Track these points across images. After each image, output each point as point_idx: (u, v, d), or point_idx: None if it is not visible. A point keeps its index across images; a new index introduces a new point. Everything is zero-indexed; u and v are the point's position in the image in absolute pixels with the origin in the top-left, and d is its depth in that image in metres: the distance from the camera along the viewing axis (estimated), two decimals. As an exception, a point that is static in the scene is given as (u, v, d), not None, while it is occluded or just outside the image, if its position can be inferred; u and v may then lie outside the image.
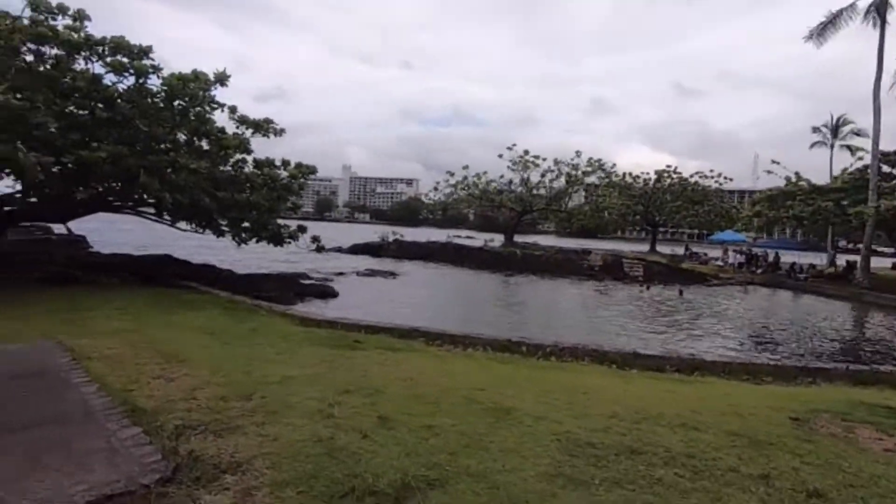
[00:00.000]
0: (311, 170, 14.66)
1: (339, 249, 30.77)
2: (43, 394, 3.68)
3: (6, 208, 13.00)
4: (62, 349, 4.83)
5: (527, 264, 27.94)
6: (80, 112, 9.96)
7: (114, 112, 9.92)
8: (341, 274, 20.59)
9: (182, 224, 13.95)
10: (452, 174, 37.02)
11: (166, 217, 13.35)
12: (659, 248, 40.70)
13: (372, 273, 21.54)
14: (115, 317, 7.26)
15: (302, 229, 14.68)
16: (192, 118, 11.69)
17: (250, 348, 5.89)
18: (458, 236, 45.27)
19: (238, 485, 2.62)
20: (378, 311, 11.94)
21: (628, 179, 40.30)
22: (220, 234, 13.48)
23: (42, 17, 9.71)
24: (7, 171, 8.70)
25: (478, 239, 39.32)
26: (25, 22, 9.25)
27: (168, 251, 17.71)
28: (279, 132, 14.10)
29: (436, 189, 40.55)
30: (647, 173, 40.55)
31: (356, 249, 31.35)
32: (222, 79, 11.62)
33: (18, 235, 17.13)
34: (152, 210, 13.83)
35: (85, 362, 4.50)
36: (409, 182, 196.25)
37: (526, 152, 35.40)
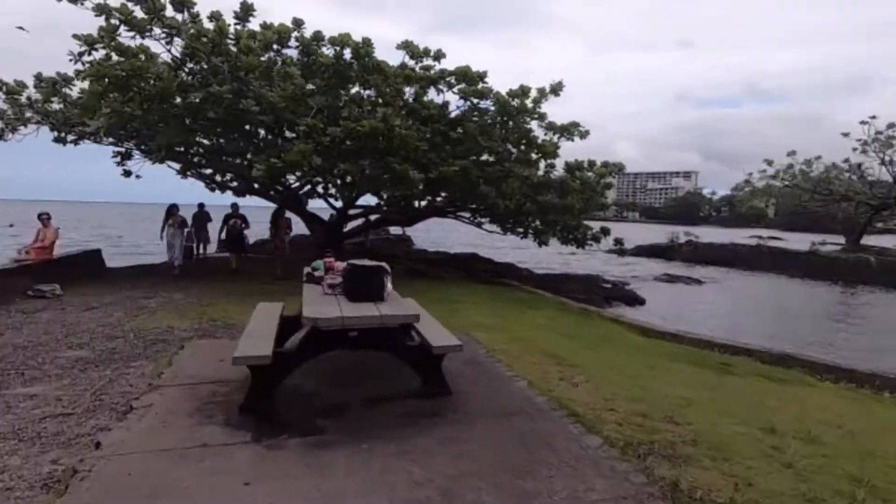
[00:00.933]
0: (619, 167, 14.19)
1: (620, 251, 29.41)
2: (492, 382, 4.20)
3: (372, 216, 16.81)
4: (472, 339, 5.58)
5: (885, 276, 21.04)
6: (435, 135, 11.94)
7: (463, 131, 11.54)
8: (636, 277, 19.51)
9: (486, 225, 15.65)
10: (770, 162, 30.70)
11: (475, 220, 15.16)
12: None
13: (671, 279, 19.70)
14: (474, 310, 8.27)
15: (605, 231, 14.38)
16: (515, 130, 12.69)
17: (620, 357, 5.76)
18: (760, 237, 37.82)
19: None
20: (704, 324, 10.63)
21: None
22: (524, 235, 14.35)
23: (412, 62, 12.03)
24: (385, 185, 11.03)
25: (787, 240, 31.92)
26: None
27: (458, 249, 20.04)
28: (584, 134, 14.09)
29: (746, 181, 33.88)
30: None
31: (641, 251, 29.43)
32: (549, 92, 12.31)
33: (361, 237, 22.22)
34: (467, 214, 15.81)
35: (497, 355, 5.05)
36: (687, 175, 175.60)
37: (892, 125, 26.54)
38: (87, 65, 10.60)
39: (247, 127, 11.00)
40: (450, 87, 12.24)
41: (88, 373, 4.37)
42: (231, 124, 10.57)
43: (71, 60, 9.85)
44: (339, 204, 15.70)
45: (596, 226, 14.16)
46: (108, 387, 4.00)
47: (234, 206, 12.01)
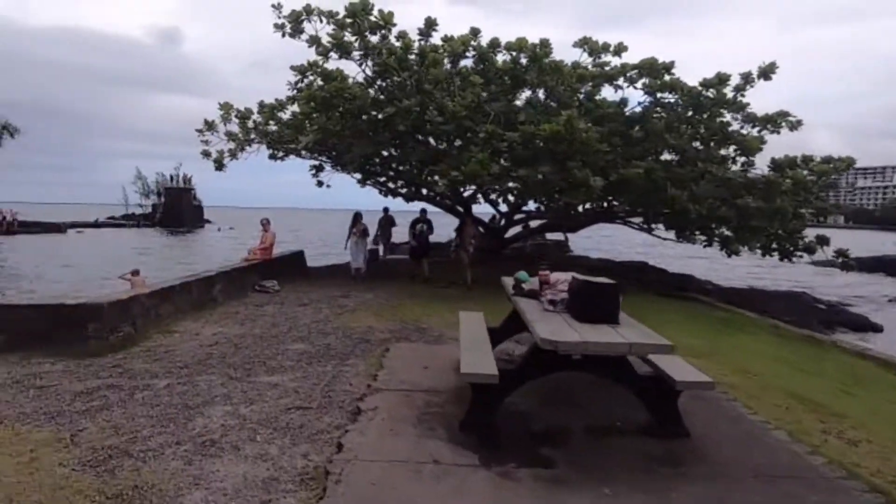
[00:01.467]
0: (847, 162, 11.59)
1: (844, 265, 24.27)
2: (736, 427, 3.51)
3: (536, 222, 16.40)
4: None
5: None
6: (612, 135, 11.09)
7: (645, 130, 10.52)
8: (861, 298, 15.82)
9: (657, 231, 14.17)
10: None
11: (646, 225, 13.79)
12: None
13: (915, 301, 15.53)
14: (670, 329, 7.31)
15: (823, 240, 11.85)
16: (707, 124, 11.17)
17: (893, 407, 4.47)
18: None
19: None
20: None
21: None
22: (708, 243, 12.54)
23: (589, 59, 11.37)
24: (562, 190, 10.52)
25: None
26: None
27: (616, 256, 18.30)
28: (795, 125, 11.80)
29: None
30: None
31: (863, 265, 23.88)
32: (758, 76, 10.62)
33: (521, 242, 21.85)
34: (637, 219, 14.47)
35: (727, 390, 4.26)
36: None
37: None
38: (295, 90, 12.19)
39: (419, 136, 11.60)
40: (631, 81, 11.29)
41: (313, 366, 4.78)
42: (411, 135, 11.21)
43: (288, 87, 11.43)
44: (503, 208, 15.74)
45: (809, 233, 11.78)
46: (332, 383, 4.29)
47: (423, 211, 11.91)
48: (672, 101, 11.27)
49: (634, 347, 2.70)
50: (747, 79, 10.90)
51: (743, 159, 11.80)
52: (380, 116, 9.51)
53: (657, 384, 3.20)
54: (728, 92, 10.77)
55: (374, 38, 10.10)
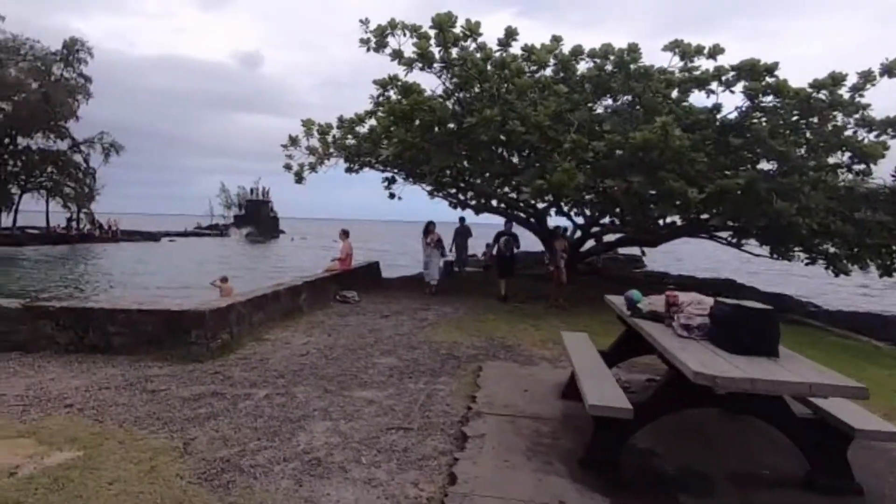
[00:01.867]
0: None
1: None
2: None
3: (612, 235, 15.61)
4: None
5: None
6: (706, 143, 10.32)
7: (742, 137, 9.69)
8: None
9: (750, 247, 13.02)
10: None
11: (736, 240, 12.72)
12: None
13: None
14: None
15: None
16: (818, 128, 10.11)
17: None
18: None
19: None
20: None
21: None
22: (811, 261, 11.28)
23: (680, 62, 10.69)
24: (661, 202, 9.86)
25: None
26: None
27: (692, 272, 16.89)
28: (923, 129, 10.40)
29: None
30: None
31: None
32: (882, 74, 9.49)
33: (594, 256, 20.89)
34: (724, 233, 13.42)
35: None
36: None
37: None
38: (376, 104, 12.44)
39: (498, 148, 11.40)
40: (727, 85, 10.47)
41: (405, 383, 4.64)
42: (490, 146, 11.03)
43: (370, 101, 11.69)
44: (579, 221, 15.15)
45: None
46: (429, 403, 4.10)
47: (508, 223, 11.16)
48: (775, 105, 10.33)
49: (815, 388, 2.27)
50: (867, 77, 9.77)
51: (859, 167, 10.59)
52: (462, 126, 9.41)
53: (821, 429, 2.71)
54: (844, 93, 9.69)
55: (454, 51, 10.08)
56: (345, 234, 10.32)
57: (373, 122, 12.64)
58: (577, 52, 10.72)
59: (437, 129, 10.09)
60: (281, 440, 3.33)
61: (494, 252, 10.13)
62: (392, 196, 13.96)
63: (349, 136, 13.03)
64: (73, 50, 34.62)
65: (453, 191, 14.44)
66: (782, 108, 10.23)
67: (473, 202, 15.14)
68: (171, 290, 15.47)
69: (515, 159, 11.92)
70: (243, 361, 5.12)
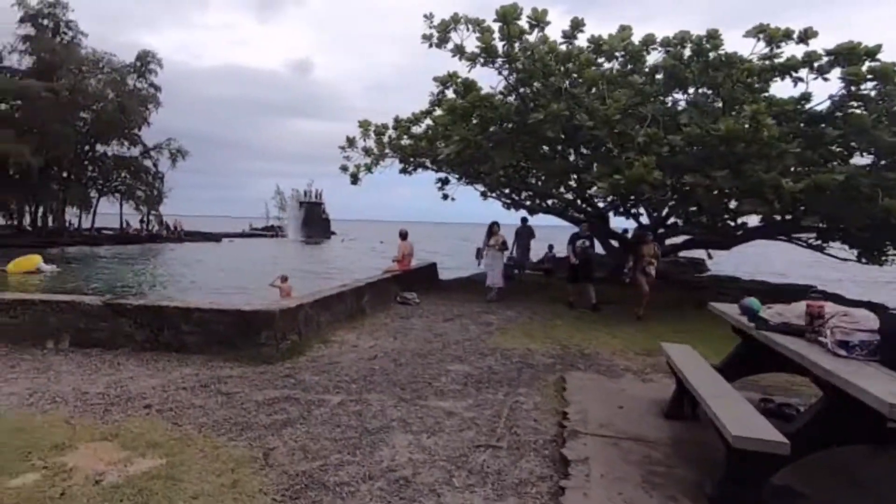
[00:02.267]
0: None
1: None
2: None
3: (679, 238, 14.67)
4: None
5: None
6: (795, 134, 9.42)
7: (837, 128, 8.76)
8: None
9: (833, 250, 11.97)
10: None
11: (819, 242, 11.64)
12: None
13: None
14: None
15: None
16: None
17: None
18: None
19: None
20: None
21: None
22: None
23: (765, 49, 9.80)
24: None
25: None
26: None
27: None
28: None
29: None
30: None
31: None
32: None
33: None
34: (807, 235, 12.34)
35: None
36: None
37: None
38: (431, 103, 12.26)
39: (561, 146, 10.88)
40: (821, 72, 9.50)
41: (483, 393, 4.32)
42: (554, 143, 10.55)
43: (430, 99, 11.52)
44: (644, 221, 14.35)
45: None
46: (513, 416, 3.77)
47: (586, 224, 9.85)
48: (877, 91, 9.27)
49: None
50: None
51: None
52: (526, 123, 9.01)
53: None
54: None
55: (517, 45, 9.69)
56: (403, 234, 10.11)
57: (429, 121, 12.48)
58: (648, 41, 10.05)
59: (496, 126, 9.74)
60: (362, 454, 3.09)
61: (571, 255, 9.12)
62: (445, 197, 13.79)
63: (404, 137, 12.92)
64: (145, 62, 36.80)
65: (507, 191, 14.04)
66: (884, 96, 9.18)
67: (528, 202, 14.76)
68: (233, 290, 15.94)
69: (572, 157, 11.38)
70: (313, 364, 4.97)
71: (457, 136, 9.37)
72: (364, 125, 13.39)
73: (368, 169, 13.53)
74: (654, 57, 10.40)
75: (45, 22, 32.67)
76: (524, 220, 13.79)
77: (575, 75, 9.35)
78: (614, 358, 5.65)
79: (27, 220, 34.73)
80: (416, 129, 12.79)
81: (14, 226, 34.19)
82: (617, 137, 8.66)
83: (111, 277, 18.77)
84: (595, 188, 9.89)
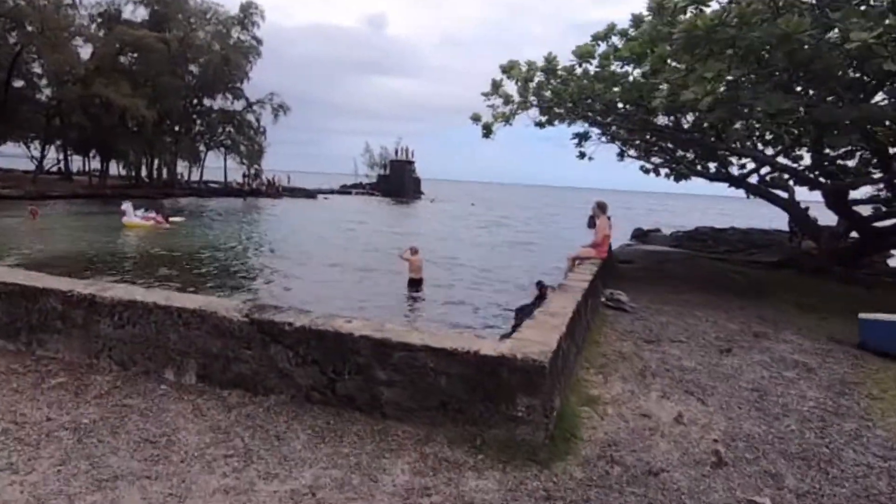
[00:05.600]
0: None
1: None
2: None
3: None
4: None
5: None
6: None
7: None
8: None
9: None
10: None
11: None
12: None
13: None
14: None
15: None
16: None
17: None
18: None
19: None
20: None
21: None
22: None
23: None
24: None
25: None
26: None
27: None
28: None
29: None
30: None
31: None
32: None
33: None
34: None
35: None
36: None
37: None
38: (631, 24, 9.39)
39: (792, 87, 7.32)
40: None
41: None
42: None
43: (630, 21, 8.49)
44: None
45: None
46: None
47: None
48: None
49: None
50: None
51: None
52: (830, 49, 5.73)
53: None
54: None
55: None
56: (603, 207, 7.05)
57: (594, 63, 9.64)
58: None
59: (760, 59, 6.42)
60: None
61: None
62: (583, 156, 11.98)
63: (553, 81, 10.28)
64: (248, 13, 36.07)
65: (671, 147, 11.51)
66: None
67: (700, 168, 12.13)
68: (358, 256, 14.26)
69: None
70: (610, 466, 2.62)
71: (708, 73, 6.21)
72: (508, 68, 10.81)
73: (507, 119, 11.12)
74: None
75: (158, -27, 32.55)
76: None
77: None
78: None
79: (143, 172, 36.19)
80: (581, 69, 10.10)
81: (133, 177, 35.80)
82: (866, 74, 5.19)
83: (222, 234, 18.04)
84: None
